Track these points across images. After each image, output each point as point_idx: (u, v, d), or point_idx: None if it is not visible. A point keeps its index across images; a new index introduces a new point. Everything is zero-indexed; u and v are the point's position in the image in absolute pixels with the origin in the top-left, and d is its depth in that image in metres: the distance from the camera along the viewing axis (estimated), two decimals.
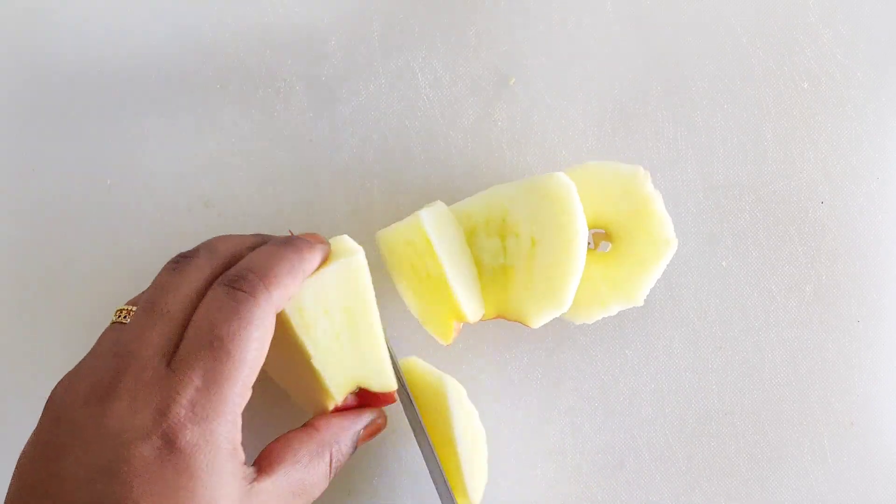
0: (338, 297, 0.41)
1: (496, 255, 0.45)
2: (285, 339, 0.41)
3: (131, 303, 0.40)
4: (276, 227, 0.50)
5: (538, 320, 0.44)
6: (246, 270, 0.38)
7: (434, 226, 0.44)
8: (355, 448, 0.42)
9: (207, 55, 0.51)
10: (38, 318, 0.50)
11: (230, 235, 0.42)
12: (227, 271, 0.39)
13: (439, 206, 0.45)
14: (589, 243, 0.46)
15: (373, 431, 0.43)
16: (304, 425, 0.41)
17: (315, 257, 0.41)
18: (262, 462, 0.38)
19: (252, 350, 0.36)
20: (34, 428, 0.36)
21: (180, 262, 0.39)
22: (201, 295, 0.38)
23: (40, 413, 0.37)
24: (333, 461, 0.40)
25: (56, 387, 0.37)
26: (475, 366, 0.49)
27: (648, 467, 0.48)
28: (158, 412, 0.34)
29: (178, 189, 0.50)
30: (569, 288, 0.43)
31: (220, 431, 0.35)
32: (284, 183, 0.50)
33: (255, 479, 0.37)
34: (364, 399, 0.43)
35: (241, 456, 0.36)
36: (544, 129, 0.50)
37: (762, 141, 0.50)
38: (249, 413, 0.38)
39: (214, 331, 0.36)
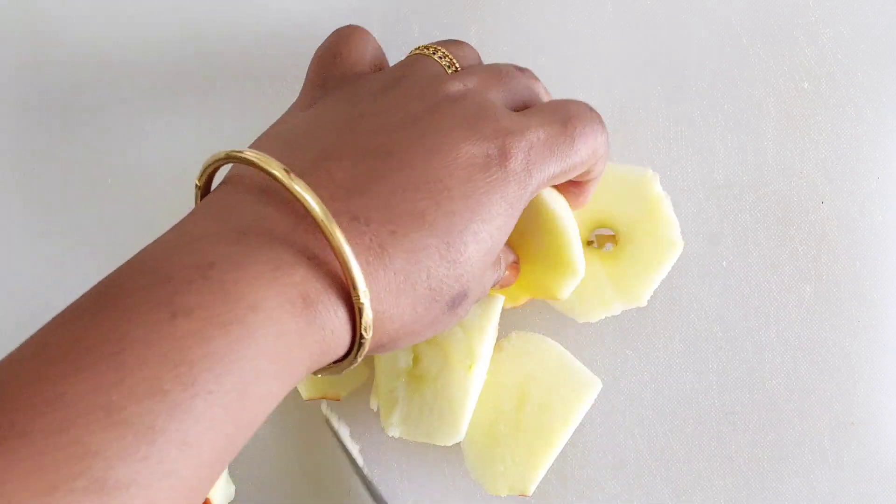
0: None
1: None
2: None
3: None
4: None
5: (564, 291, 0.43)
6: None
7: None
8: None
9: (207, 55, 0.51)
10: (38, 319, 0.50)
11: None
12: None
13: None
14: (592, 242, 0.46)
15: (507, 280, 0.42)
16: None
17: None
18: None
19: (580, 158, 0.37)
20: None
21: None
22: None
23: None
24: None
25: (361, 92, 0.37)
26: None
27: (648, 467, 0.48)
28: (505, 130, 0.35)
29: (178, 189, 0.50)
30: (572, 252, 0.42)
31: (534, 179, 0.35)
32: None
33: None
34: None
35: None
36: None
37: (762, 141, 0.50)
38: None
39: (572, 118, 0.37)
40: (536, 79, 0.41)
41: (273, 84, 0.51)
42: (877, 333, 0.48)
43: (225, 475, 0.48)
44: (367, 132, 0.34)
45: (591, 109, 0.39)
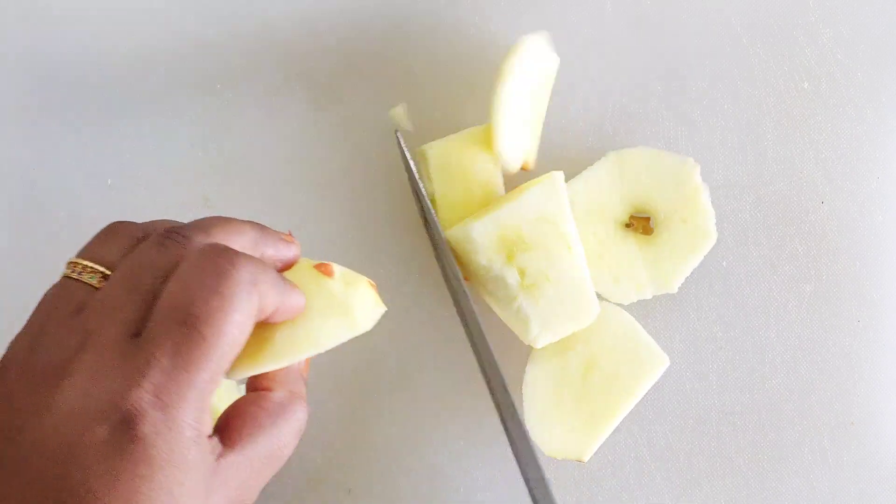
0: None
1: (528, 269, 0.45)
2: None
3: (91, 258, 0.36)
4: (277, 227, 0.50)
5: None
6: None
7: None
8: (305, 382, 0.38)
9: (207, 55, 0.51)
10: None
11: (228, 220, 0.37)
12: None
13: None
14: (630, 224, 0.47)
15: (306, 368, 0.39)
16: (251, 390, 0.37)
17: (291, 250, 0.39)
18: (223, 434, 0.34)
19: (229, 334, 0.32)
20: None
21: (172, 236, 0.35)
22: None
23: None
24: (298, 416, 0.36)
25: (8, 353, 0.34)
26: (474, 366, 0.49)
27: (648, 467, 0.48)
28: (118, 394, 0.31)
29: (178, 189, 0.50)
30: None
31: (184, 419, 0.31)
32: (284, 183, 0.50)
33: (220, 455, 0.33)
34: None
35: (208, 432, 0.33)
36: (545, 129, 0.50)
37: (762, 141, 0.50)
38: None
39: (191, 308, 0.31)
40: (181, 239, 0.34)
41: (272, 83, 0.51)
42: (877, 333, 0.48)
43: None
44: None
45: (214, 259, 0.33)
